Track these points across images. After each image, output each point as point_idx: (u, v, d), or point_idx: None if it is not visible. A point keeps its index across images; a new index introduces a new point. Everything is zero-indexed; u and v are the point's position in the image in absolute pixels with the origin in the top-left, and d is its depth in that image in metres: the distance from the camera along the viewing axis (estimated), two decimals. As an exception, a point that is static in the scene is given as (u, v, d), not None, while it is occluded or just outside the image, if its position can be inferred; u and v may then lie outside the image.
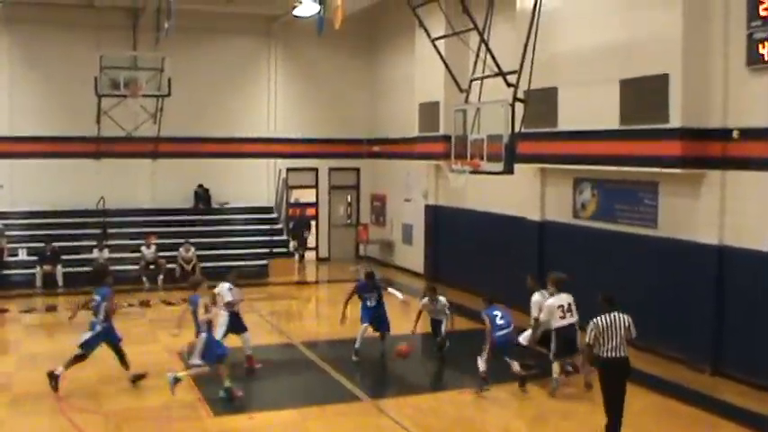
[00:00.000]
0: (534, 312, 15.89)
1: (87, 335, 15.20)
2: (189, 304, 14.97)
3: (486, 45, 18.24)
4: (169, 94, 27.49)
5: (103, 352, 15.78)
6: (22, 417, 13.94)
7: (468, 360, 15.80)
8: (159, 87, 27.52)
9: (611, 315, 12.43)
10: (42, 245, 25.98)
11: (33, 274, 25.70)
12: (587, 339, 12.50)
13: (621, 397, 12.44)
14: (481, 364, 15.03)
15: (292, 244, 29.87)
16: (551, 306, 15.25)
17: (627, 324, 12.45)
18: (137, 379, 15.43)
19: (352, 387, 15.47)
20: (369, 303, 17.84)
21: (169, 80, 27.30)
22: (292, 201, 31.91)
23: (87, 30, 28.29)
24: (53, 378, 14.84)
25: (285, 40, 31.57)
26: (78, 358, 15.10)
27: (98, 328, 15.21)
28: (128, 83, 26.88)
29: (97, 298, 15.30)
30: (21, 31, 28.50)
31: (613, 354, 12.30)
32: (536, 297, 16.02)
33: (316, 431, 13.48)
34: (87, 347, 15.16)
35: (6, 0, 26.13)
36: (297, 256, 29.77)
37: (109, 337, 15.37)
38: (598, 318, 12.43)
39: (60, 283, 25.59)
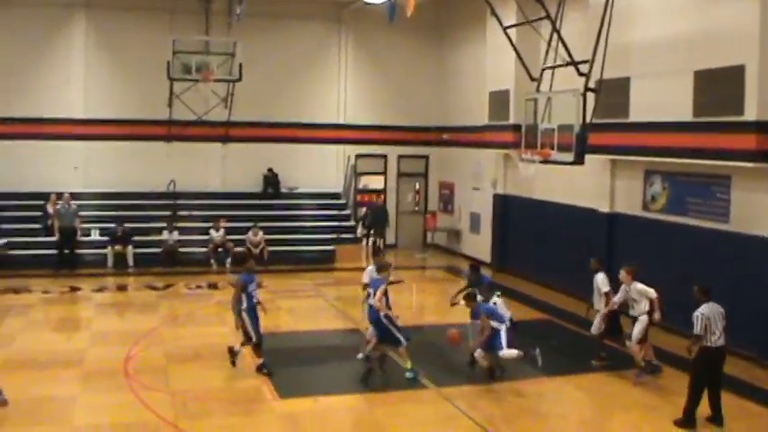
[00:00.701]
0: (605, 287, 16.17)
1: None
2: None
3: (559, 34, 18.10)
4: (240, 79, 27.71)
5: (174, 331, 16.04)
6: (93, 393, 14.20)
7: (531, 347, 15.72)
8: (230, 72, 27.75)
9: (711, 305, 12.90)
10: (114, 226, 26.39)
11: (105, 254, 26.11)
12: (697, 330, 12.76)
13: (718, 383, 13.01)
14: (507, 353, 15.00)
15: (360, 231, 29.87)
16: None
17: (723, 314, 12.93)
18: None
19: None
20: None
21: (240, 65, 27.51)
22: (362, 187, 31.93)
23: (161, 14, 28.63)
24: (233, 354, 15.45)
25: (355, 27, 31.61)
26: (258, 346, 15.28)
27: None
28: (199, 67, 27.15)
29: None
30: (97, 15, 29.00)
31: (719, 342, 12.84)
32: (602, 275, 16.39)
33: (381, 417, 13.51)
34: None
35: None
36: (369, 245, 29.52)
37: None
38: (703, 308, 12.87)
39: (131, 263, 25.96)
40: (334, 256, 28.20)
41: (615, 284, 15.98)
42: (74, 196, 26.60)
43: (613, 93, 18.64)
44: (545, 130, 18.28)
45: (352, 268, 26.75)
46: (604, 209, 21.23)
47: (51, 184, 27.59)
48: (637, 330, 15.29)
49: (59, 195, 26.32)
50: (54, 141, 28.62)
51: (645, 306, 15.25)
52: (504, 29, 20.09)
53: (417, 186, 33.09)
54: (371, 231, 29.88)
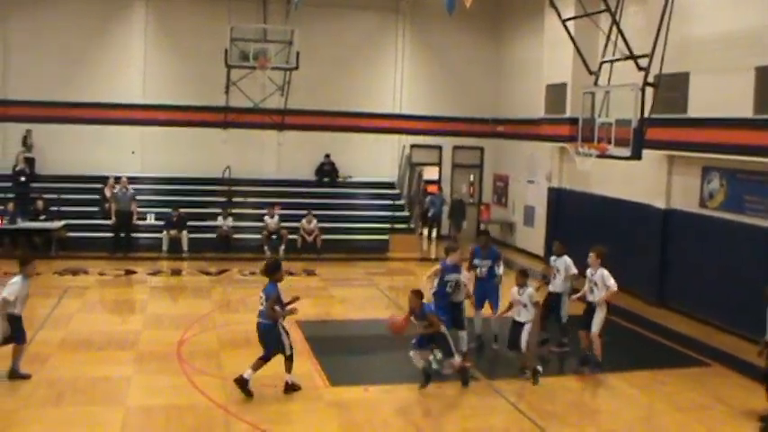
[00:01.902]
0: (573, 270, 16.59)
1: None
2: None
3: (618, 27, 17.96)
4: (297, 68, 27.88)
5: (227, 317, 16.20)
6: (147, 375, 14.43)
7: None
8: (287, 60, 27.97)
9: None
10: (169, 210, 26.68)
11: (160, 239, 26.40)
12: None
13: None
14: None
15: (421, 231, 29.89)
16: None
17: None
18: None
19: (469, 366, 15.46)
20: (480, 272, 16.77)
21: (297, 53, 27.68)
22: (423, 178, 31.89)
23: (219, 2, 28.85)
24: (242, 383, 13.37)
25: (412, 17, 31.60)
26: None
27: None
28: (257, 55, 27.35)
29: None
30: (156, 2, 29.43)
31: None
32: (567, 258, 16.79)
33: (431, 408, 13.51)
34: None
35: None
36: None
37: None
38: None
39: (185, 248, 26.18)
40: (387, 246, 28.20)
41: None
42: (131, 180, 26.94)
43: (672, 87, 18.43)
44: (602, 124, 18.17)
45: (406, 258, 26.81)
46: (660, 205, 21.00)
47: (109, 168, 28.14)
48: (598, 319, 15.19)
49: (117, 179, 26.70)
50: (112, 126, 29.15)
51: (603, 294, 15.16)
52: (563, 21, 19.95)
53: (472, 178, 33.00)
54: (434, 223, 29.93)
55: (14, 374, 13.52)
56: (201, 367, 14.76)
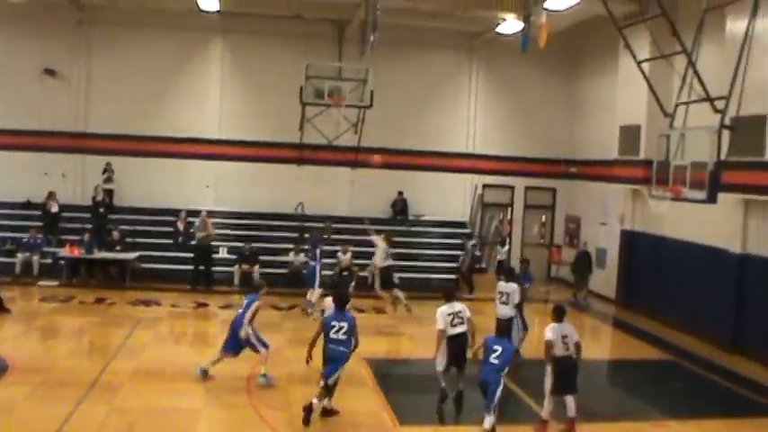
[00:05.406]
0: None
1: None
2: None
3: (695, 68, 17.77)
4: (371, 106, 28.07)
5: (297, 352, 16.30)
6: (216, 407, 14.60)
7: (654, 387, 15.40)
8: (362, 98, 28.15)
9: None
10: (242, 244, 26.95)
11: (232, 272, 26.69)
12: None
13: None
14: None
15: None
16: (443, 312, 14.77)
17: None
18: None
19: (536, 407, 15.29)
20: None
21: (372, 92, 27.87)
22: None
23: (295, 40, 29.43)
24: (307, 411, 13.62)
25: (487, 57, 31.72)
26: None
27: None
28: (331, 92, 27.60)
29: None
30: (233, 40, 30.13)
31: None
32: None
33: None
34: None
35: (223, 11, 27.30)
36: (579, 296, 27.69)
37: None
38: None
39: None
40: (458, 286, 28.02)
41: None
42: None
43: (749, 130, 18.18)
44: (677, 167, 17.96)
45: (476, 298, 26.63)
46: (736, 249, 20.67)
47: (184, 201, 28.57)
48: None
49: (190, 213, 27.14)
50: (188, 160, 29.72)
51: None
52: (638, 63, 19.82)
53: (543, 219, 32.83)
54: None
55: None
56: (270, 401, 14.84)
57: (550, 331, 13.58)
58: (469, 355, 14.48)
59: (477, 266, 28.87)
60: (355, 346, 14.15)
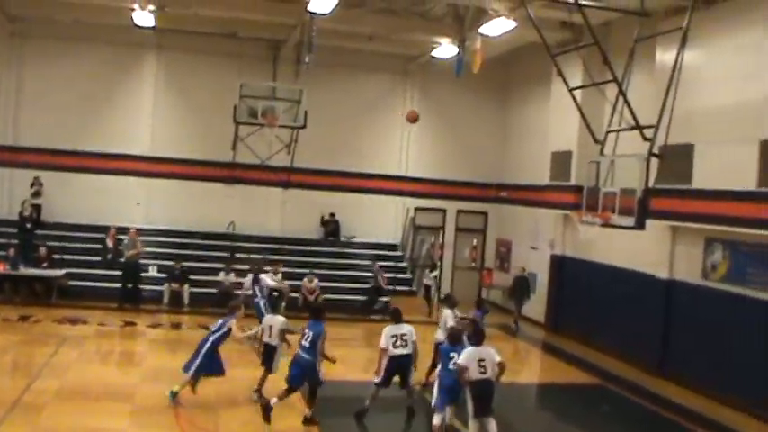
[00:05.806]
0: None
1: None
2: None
3: (625, 97, 18.06)
4: (305, 126, 28.03)
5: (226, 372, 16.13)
6: (142, 428, 14.32)
7: (582, 411, 15.47)
8: (296, 119, 28.12)
9: None
10: (172, 263, 26.69)
11: (161, 291, 26.39)
12: None
13: None
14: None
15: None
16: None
17: None
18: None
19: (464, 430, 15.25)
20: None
21: (305, 112, 27.87)
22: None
23: (230, 59, 29.33)
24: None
25: (421, 81, 31.89)
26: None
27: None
28: (265, 112, 27.52)
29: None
30: (168, 57, 29.90)
31: None
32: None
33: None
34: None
35: (158, 27, 27.08)
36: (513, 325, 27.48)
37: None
38: None
39: (186, 302, 26.17)
40: (388, 308, 27.97)
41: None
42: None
43: (677, 159, 18.54)
44: (606, 193, 18.20)
45: (406, 321, 26.61)
46: (663, 275, 21.01)
47: (113, 218, 28.15)
48: None
49: (119, 230, 26.78)
50: (119, 176, 29.29)
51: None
52: (570, 90, 20.08)
53: (474, 242, 33.01)
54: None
55: None
56: (199, 422, 14.65)
57: (464, 356, 13.29)
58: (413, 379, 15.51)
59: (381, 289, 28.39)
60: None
